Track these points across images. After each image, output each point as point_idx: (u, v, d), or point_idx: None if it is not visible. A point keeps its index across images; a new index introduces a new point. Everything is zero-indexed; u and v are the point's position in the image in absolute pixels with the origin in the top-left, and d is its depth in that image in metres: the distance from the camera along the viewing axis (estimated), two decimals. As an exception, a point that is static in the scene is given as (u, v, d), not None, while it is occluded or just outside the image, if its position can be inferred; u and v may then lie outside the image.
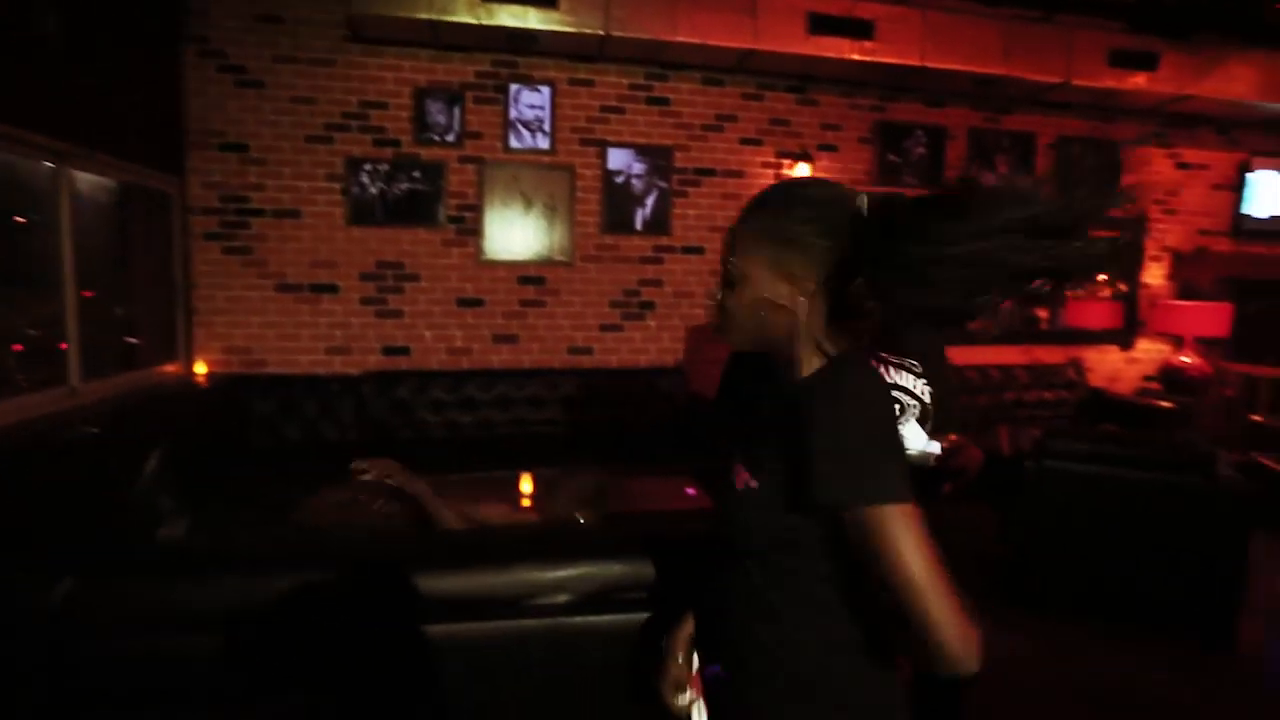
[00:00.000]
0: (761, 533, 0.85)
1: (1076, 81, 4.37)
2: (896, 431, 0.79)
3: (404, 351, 4.02)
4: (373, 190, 3.86)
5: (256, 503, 2.89)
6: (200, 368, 3.76)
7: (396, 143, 3.89)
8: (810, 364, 0.84)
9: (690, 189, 4.34)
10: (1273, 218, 5.31)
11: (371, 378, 3.86)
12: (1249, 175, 5.23)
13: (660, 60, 4.13)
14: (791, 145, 4.44)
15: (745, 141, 4.39)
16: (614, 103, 4.18)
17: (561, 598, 1.33)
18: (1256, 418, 4.75)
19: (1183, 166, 5.21)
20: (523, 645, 1.30)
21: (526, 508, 2.77)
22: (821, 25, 3.92)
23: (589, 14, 3.63)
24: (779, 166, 4.43)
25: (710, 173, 4.36)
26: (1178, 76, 4.54)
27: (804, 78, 4.37)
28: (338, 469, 2.83)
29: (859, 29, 3.97)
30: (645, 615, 1.33)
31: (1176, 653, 2.60)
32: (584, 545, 1.44)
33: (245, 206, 3.78)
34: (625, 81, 4.18)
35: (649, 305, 4.36)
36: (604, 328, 4.30)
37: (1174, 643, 2.65)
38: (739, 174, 4.40)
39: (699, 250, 4.38)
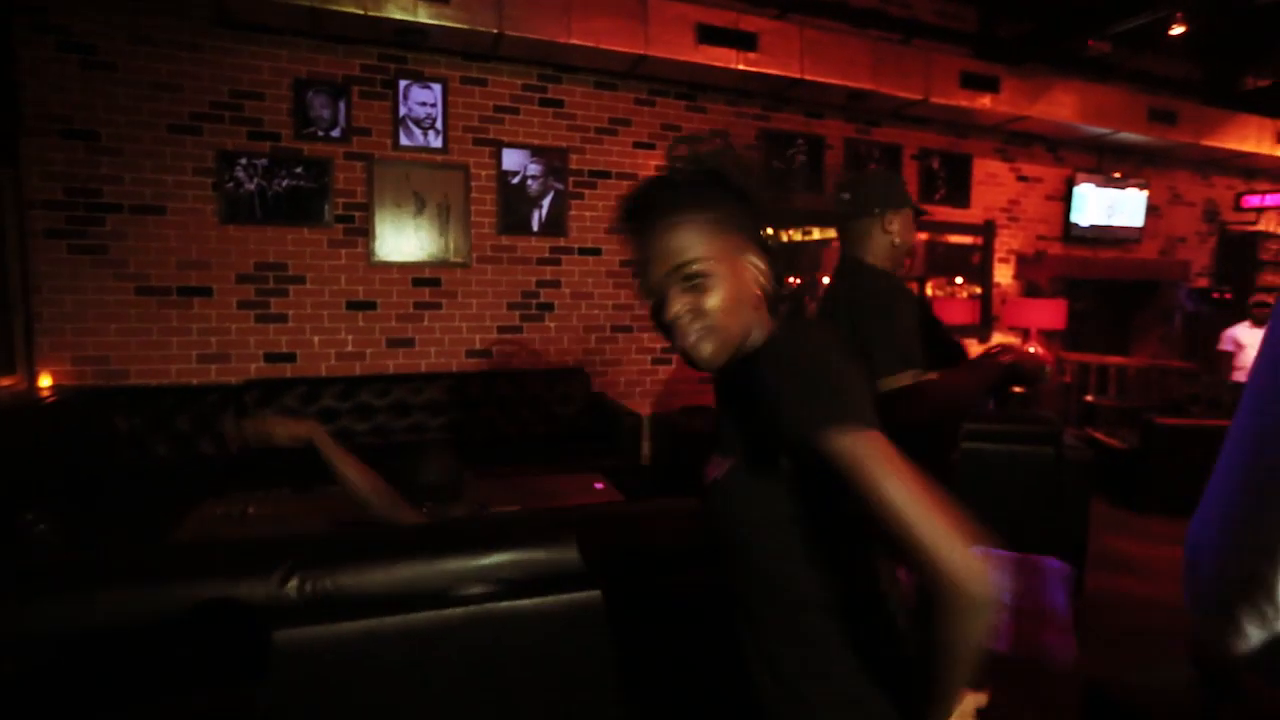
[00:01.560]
0: (733, 518, 0.85)
1: (934, 99, 4.82)
2: (857, 370, 0.77)
3: (289, 358, 3.77)
4: (249, 186, 3.61)
5: (128, 523, 2.62)
6: (45, 380, 3.34)
7: (275, 136, 3.66)
8: (763, 332, 0.86)
9: (586, 191, 4.38)
10: (1092, 226, 6.09)
11: (255, 386, 3.59)
12: (1075, 188, 5.98)
13: (554, 62, 4.15)
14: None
15: (639, 145, 4.50)
16: (508, 103, 4.15)
17: (486, 586, 1.31)
18: (1089, 398, 5.43)
19: (1022, 179, 5.87)
20: (449, 634, 1.27)
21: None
22: (709, 35, 4.10)
23: (481, 11, 3.59)
24: (672, 170, 4.56)
25: (605, 175, 4.42)
26: (1015, 99, 5.11)
27: (694, 85, 4.53)
28: (219, 485, 2.64)
29: (744, 40, 4.18)
30: (569, 596, 1.35)
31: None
32: (506, 535, 1.43)
33: (97, 201, 3.42)
34: (519, 82, 4.16)
35: (548, 307, 4.35)
36: (502, 330, 4.25)
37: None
38: (633, 177, 4.48)
39: (596, 251, 4.42)
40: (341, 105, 3.76)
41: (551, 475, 3.18)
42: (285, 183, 3.67)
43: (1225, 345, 4.85)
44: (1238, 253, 7.07)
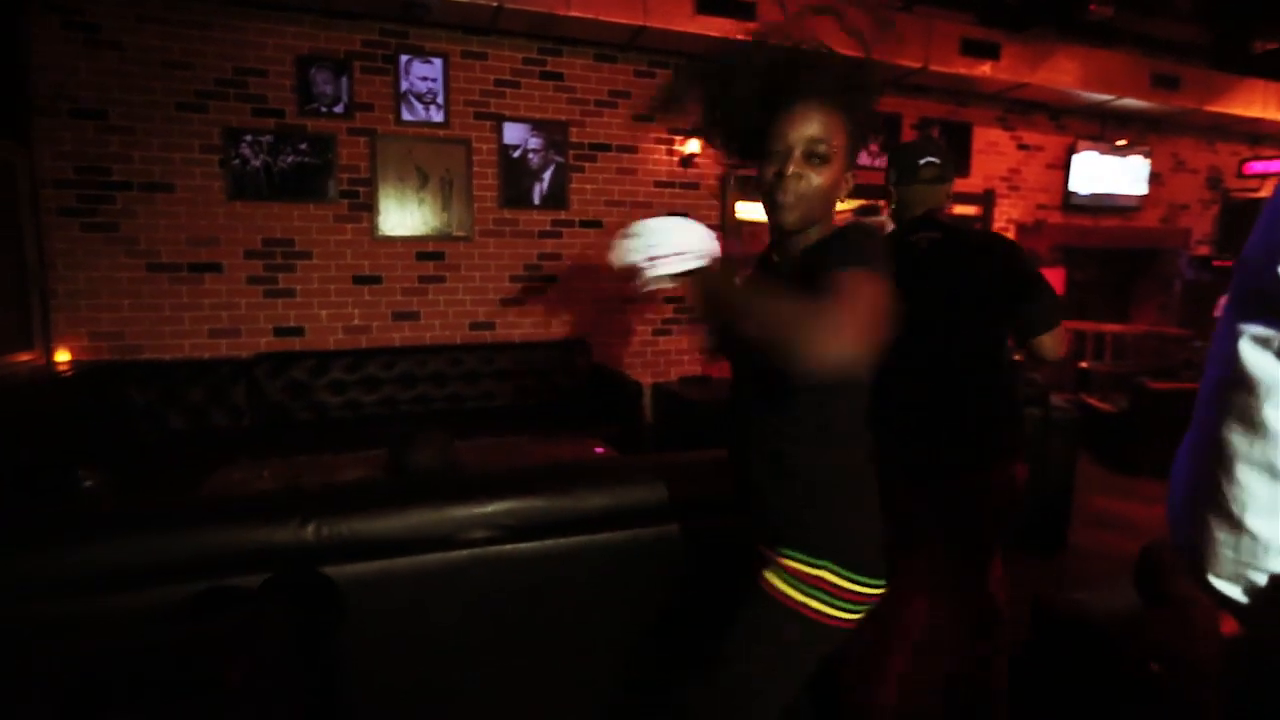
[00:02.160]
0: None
1: (934, 67, 4.81)
2: (886, 249, 1.00)
3: (298, 332, 3.88)
4: (255, 163, 3.68)
5: (152, 487, 2.76)
6: (62, 355, 3.46)
7: (280, 113, 3.71)
8: (821, 231, 1.08)
9: (586, 164, 4.43)
10: (1092, 194, 6.08)
11: (265, 359, 3.70)
12: (1075, 156, 5.96)
13: (553, 35, 4.17)
14: (682, 123, 4.59)
15: (638, 118, 4.52)
16: (508, 76, 4.18)
17: (489, 531, 1.42)
18: (1084, 365, 5.49)
19: (1023, 148, 5.86)
20: (456, 574, 1.38)
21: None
22: (708, 5, 4.10)
23: (480, -15, 3.62)
24: (671, 143, 4.60)
25: (605, 148, 4.46)
26: (1016, 66, 5.09)
27: (693, 57, 4.53)
28: (233, 453, 2.76)
29: (743, 10, 4.18)
30: (566, 540, 1.45)
31: (1024, 555, 3.03)
32: (507, 485, 1.53)
33: (107, 179, 3.50)
34: (519, 55, 4.19)
35: (550, 279, 4.42)
36: (505, 302, 4.33)
37: (1020, 548, 3.08)
38: (633, 149, 4.53)
39: (597, 224, 4.48)
40: (344, 81, 3.81)
41: (554, 442, 3.28)
42: (290, 159, 3.74)
43: (1220, 311, 4.87)
44: (1240, 220, 7.04)
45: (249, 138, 3.65)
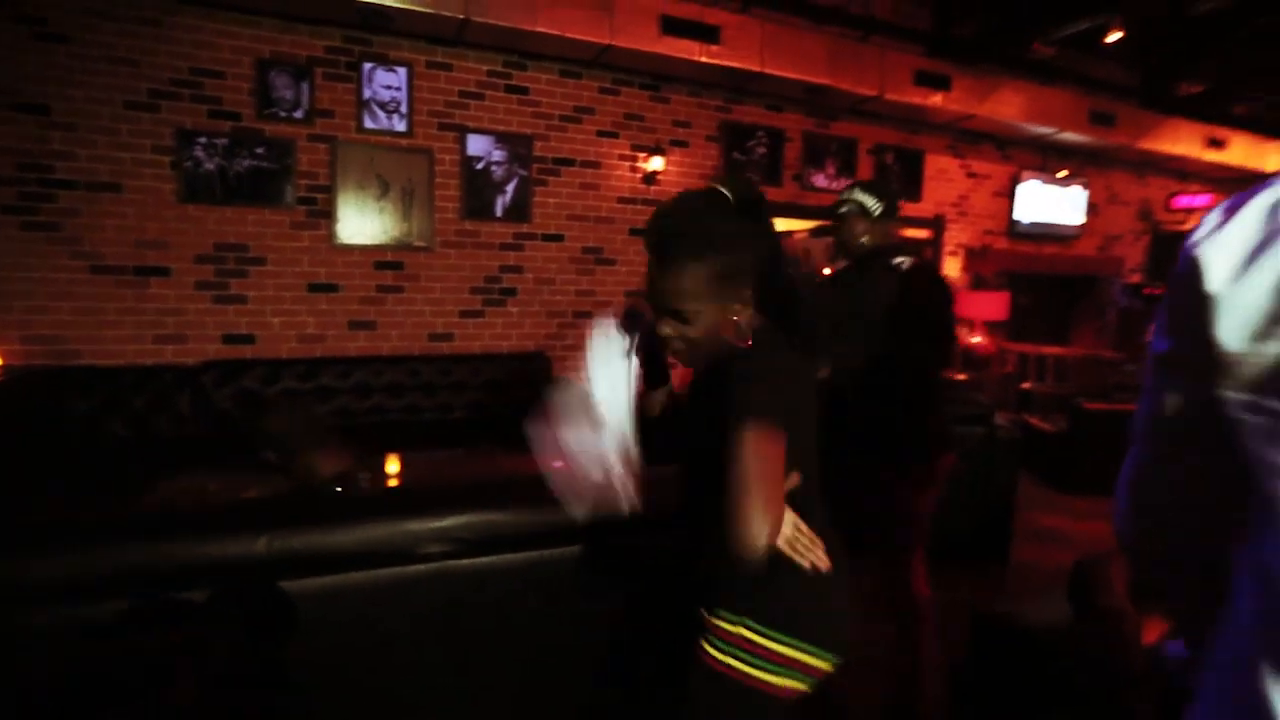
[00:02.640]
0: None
1: (888, 96, 5.00)
2: (790, 377, 1.05)
3: (248, 340, 3.78)
4: (209, 166, 3.59)
5: (92, 499, 2.64)
6: (-6, 359, 3.30)
7: (236, 116, 3.64)
8: (740, 343, 1.07)
9: (550, 178, 4.45)
10: (1034, 223, 6.38)
11: (214, 367, 3.59)
12: (1019, 186, 6.25)
13: (519, 49, 4.19)
14: (646, 139, 4.68)
15: (602, 134, 4.57)
16: (473, 88, 4.19)
17: (447, 545, 1.41)
18: (1026, 386, 5.72)
19: (971, 175, 6.12)
20: (411, 589, 1.37)
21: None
22: (673, 27, 4.19)
23: (447, -3, 3.62)
24: (634, 159, 4.66)
25: (569, 162, 4.49)
26: (965, 98, 5.33)
27: (657, 76, 4.62)
28: (177, 464, 2.67)
29: (706, 33, 4.28)
30: (525, 554, 1.46)
31: (967, 570, 3.13)
32: (464, 499, 1.53)
33: (49, 177, 3.37)
34: (484, 68, 4.20)
35: (510, 291, 4.41)
36: (465, 314, 4.30)
37: (965, 562, 3.19)
38: (596, 165, 4.57)
39: (559, 238, 4.50)
40: (305, 86, 3.75)
41: (510, 456, 3.27)
42: (246, 163, 3.66)
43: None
44: (1168, 251, 7.46)
45: (203, 139, 3.56)
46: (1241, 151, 7.19)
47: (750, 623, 1.03)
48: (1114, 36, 5.25)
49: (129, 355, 3.54)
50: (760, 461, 0.92)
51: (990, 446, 3.18)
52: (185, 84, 3.53)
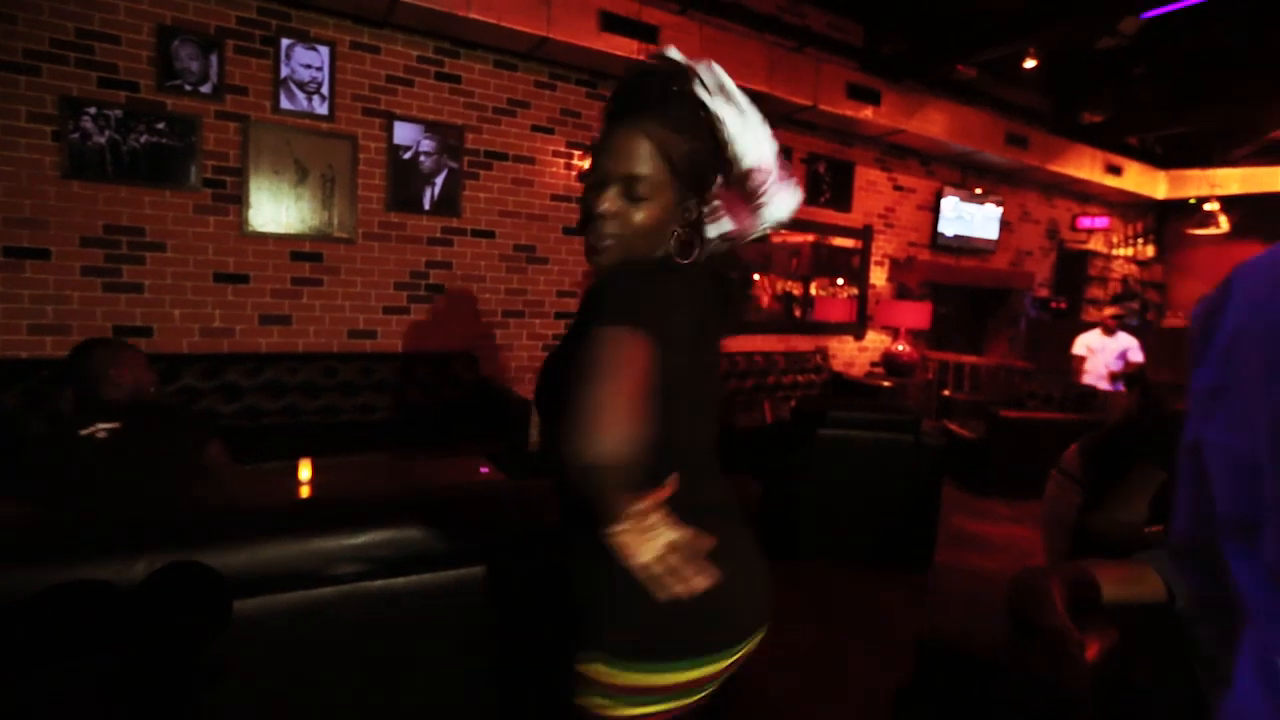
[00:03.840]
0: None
1: (822, 106, 5.09)
2: (681, 309, 0.84)
3: (145, 332, 3.45)
4: (99, 139, 3.25)
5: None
6: None
7: (133, 86, 3.31)
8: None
9: (482, 171, 4.29)
10: (956, 235, 6.66)
11: (98, 361, 3.24)
12: (942, 200, 6.51)
13: (452, 35, 4.02)
14: (583, 137, 4.59)
15: (537, 129, 4.45)
16: (401, 74, 3.98)
17: (359, 565, 1.28)
18: (946, 393, 5.95)
19: (898, 189, 6.33)
20: (319, 614, 1.23)
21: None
22: (612, 24, 4.11)
23: (375, -26, 3.42)
24: (570, 156, 4.56)
25: (502, 156, 4.34)
26: (894, 113, 5.50)
27: (595, 72, 4.54)
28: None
29: (645, 32, 4.23)
30: (446, 573, 1.34)
31: (893, 574, 3.19)
32: (380, 515, 1.40)
33: (-97, 144, 2.97)
34: (414, 53, 4.00)
35: (437, 288, 4.22)
36: (388, 310, 4.08)
37: (891, 567, 3.25)
38: (530, 160, 4.44)
39: (489, 234, 4.34)
40: (214, 59, 3.46)
41: (436, 460, 3.11)
42: (144, 139, 3.34)
43: (1078, 349, 5.36)
44: (1072, 267, 7.97)
45: (92, 110, 3.22)
46: (1135, 179, 7.76)
47: (603, 658, 0.87)
48: (1029, 64, 5.54)
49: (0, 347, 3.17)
50: (613, 357, 0.71)
51: (917, 454, 3.26)
52: (71, 46, 3.18)
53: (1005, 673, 0.94)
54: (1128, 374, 5.10)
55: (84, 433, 1.67)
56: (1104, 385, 5.16)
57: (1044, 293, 7.83)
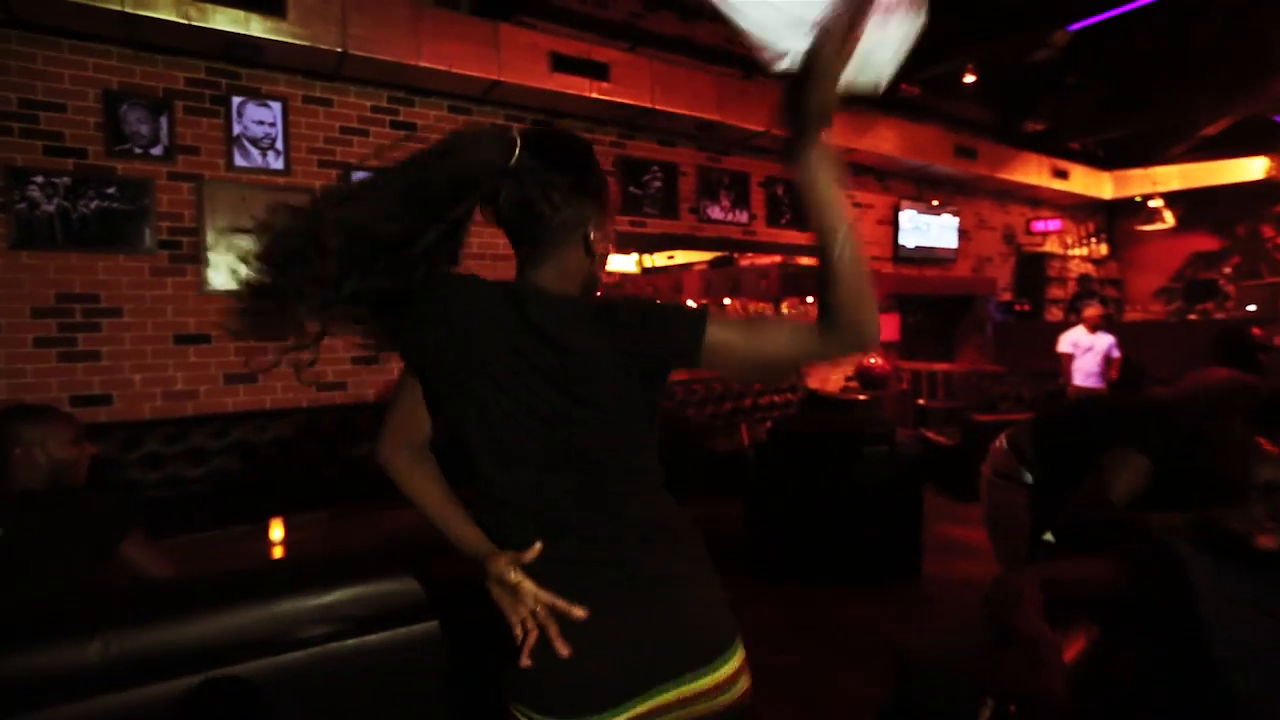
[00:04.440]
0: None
1: (775, 131, 5.19)
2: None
3: (104, 400, 3.35)
4: (48, 208, 3.19)
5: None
6: None
7: (80, 153, 3.27)
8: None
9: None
10: (918, 247, 6.81)
11: (55, 434, 3.14)
12: (900, 214, 6.66)
13: (405, 84, 4.05)
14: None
15: (498, 170, 4.46)
16: (356, 124, 3.99)
17: (329, 626, 1.24)
18: (921, 402, 6.02)
19: (856, 205, 6.46)
20: (286, 681, 1.18)
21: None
22: (563, 64, 4.19)
23: (323, 28, 3.45)
24: (533, 195, 4.58)
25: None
26: (846, 133, 5.64)
27: (550, 112, 4.60)
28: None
29: (596, 70, 4.31)
30: (420, 625, 1.30)
31: (878, 586, 3.18)
32: (349, 569, 1.36)
33: None
34: (367, 103, 4.02)
35: (408, 334, 4.18)
36: (356, 360, 4.02)
37: (879, 580, 3.23)
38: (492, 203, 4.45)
39: (458, 276, 4.32)
40: (163, 121, 3.44)
41: (405, 511, 3.04)
42: (94, 204, 3.29)
43: (1064, 347, 5.36)
44: (1032, 270, 8.18)
45: (39, 179, 3.17)
46: (1081, 181, 8.04)
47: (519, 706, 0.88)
48: (969, 78, 5.75)
49: (-52, 427, 3.04)
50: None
51: (894, 464, 3.27)
52: (14, 117, 3.14)
53: (984, 684, 0.94)
54: (1124, 372, 5.05)
55: None
56: (1094, 384, 5.17)
57: (1007, 296, 8.01)
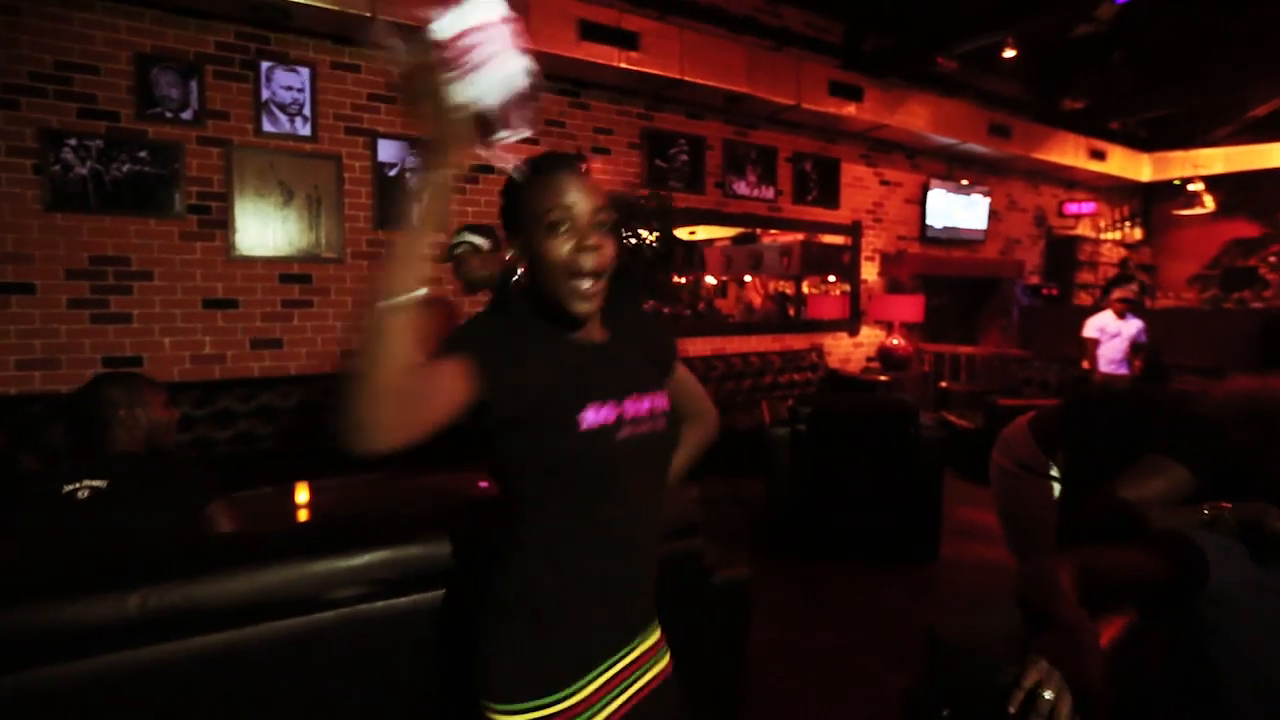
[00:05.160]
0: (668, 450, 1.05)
1: (805, 105, 5.10)
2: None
3: (134, 362, 3.41)
4: (81, 170, 3.23)
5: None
6: None
7: (113, 115, 3.29)
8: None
9: (468, 185, 4.28)
10: (945, 227, 6.68)
11: (89, 394, 3.21)
12: (929, 193, 6.53)
13: (432, 51, 4.01)
14: (567, 146, 4.58)
15: (522, 140, 4.43)
16: (383, 91, 3.97)
17: (360, 588, 1.26)
18: (943, 384, 5.95)
19: (885, 183, 6.34)
20: (318, 640, 1.21)
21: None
22: (591, 32, 4.12)
23: (352, -8, 3.42)
24: (557, 166, 4.55)
25: (487, 170, 4.33)
26: (877, 109, 5.52)
27: (577, 81, 4.54)
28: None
29: (625, 39, 4.23)
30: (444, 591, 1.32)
31: (899, 569, 3.18)
32: (379, 533, 1.38)
33: (-118, 184, 2.94)
34: (395, 70, 3.98)
35: (428, 303, 4.20)
36: (382, 328, 4.05)
37: (897, 562, 3.23)
38: (518, 172, 4.42)
39: (481, 247, 4.32)
40: (193, 85, 3.45)
41: (433, 475, 3.08)
42: (126, 168, 3.32)
43: (1090, 332, 5.22)
44: (1062, 253, 8.00)
45: (73, 141, 3.20)
46: (1119, 163, 7.80)
47: (484, 701, 0.94)
48: (1009, 54, 5.57)
49: (-13, 384, 3.13)
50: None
51: (917, 446, 3.25)
52: (50, 79, 3.16)
53: (1018, 667, 0.93)
54: (1147, 363, 4.93)
55: (67, 489, 1.51)
56: (1119, 370, 5.04)
57: (1035, 280, 7.85)
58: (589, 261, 0.91)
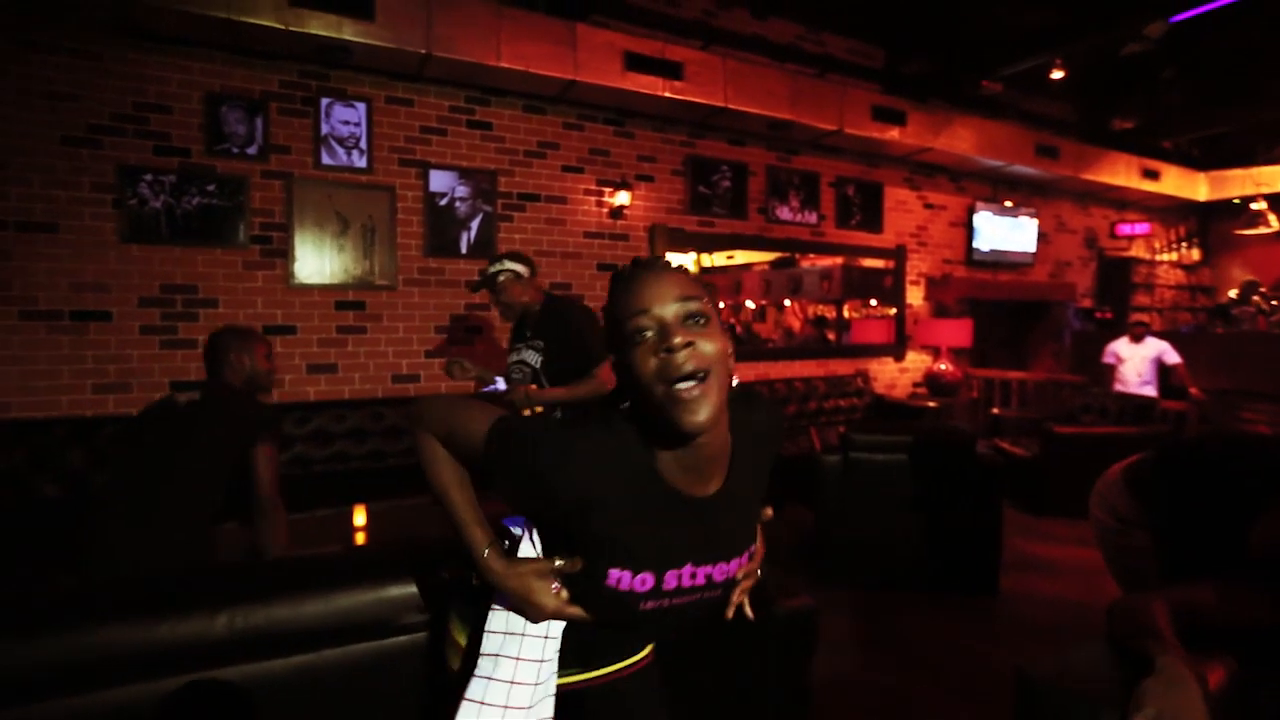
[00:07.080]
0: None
1: (848, 130, 5.10)
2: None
3: (199, 386, 3.53)
4: (155, 204, 3.40)
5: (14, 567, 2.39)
6: (-91, 416, 3.01)
7: (185, 152, 3.47)
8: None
9: (515, 213, 4.37)
10: (991, 250, 6.56)
11: (157, 417, 3.34)
12: (975, 216, 6.43)
13: (482, 85, 4.14)
14: (611, 175, 4.65)
15: (567, 169, 4.53)
16: (435, 124, 4.10)
17: (428, 615, 1.27)
18: (995, 411, 5.79)
19: (929, 207, 6.27)
20: (396, 665, 1.22)
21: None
22: (637, 64, 4.20)
23: (409, 31, 3.56)
24: (600, 194, 4.62)
25: (534, 198, 4.42)
26: (920, 132, 5.48)
27: (622, 111, 4.62)
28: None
29: (670, 69, 4.31)
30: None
31: (958, 602, 3.07)
32: (451, 554, 1.39)
33: (-24, 218, 3.13)
34: (446, 104, 4.12)
35: (476, 330, 4.28)
36: (430, 354, 4.14)
37: (956, 594, 3.13)
38: (562, 200, 4.51)
39: (528, 274, 4.39)
40: (258, 121, 3.61)
41: (482, 500, 3.10)
42: (196, 201, 3.48)
43: (1107, 358, 5.27)
44: (1114, 276, 7.77)
45: (149, 177, 3.38)
46: (1174, 182, 7.59)
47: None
48: (1057, 75, 5.50)
49: (64, 407, 3.28)
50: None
51: (973, 475, 3.16)
52: (129, 119, 3.35)
53: (1121, 711, 0.89)
54: (1172, 384, 5.04)
55: (180, 397, 2.01)
56: (1146, 390, 5.06)
57: (1087, 303, 7.64)
58: (684, 364, 0.80)
